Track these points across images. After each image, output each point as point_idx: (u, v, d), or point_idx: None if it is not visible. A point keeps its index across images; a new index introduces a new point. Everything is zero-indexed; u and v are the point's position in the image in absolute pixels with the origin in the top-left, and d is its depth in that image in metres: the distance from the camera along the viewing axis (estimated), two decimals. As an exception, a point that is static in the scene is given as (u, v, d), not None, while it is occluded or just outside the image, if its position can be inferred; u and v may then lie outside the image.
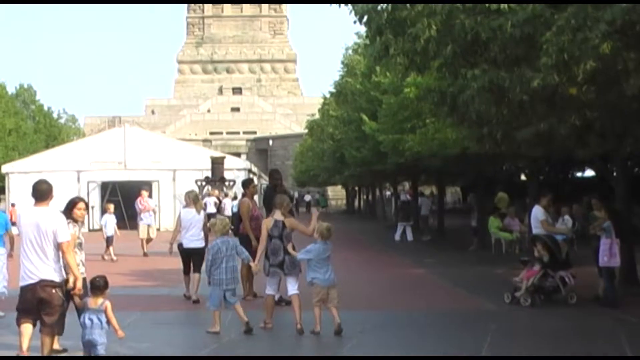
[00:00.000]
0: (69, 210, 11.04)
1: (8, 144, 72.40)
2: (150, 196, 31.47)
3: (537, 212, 16.84)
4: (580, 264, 17.55)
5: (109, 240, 26.55)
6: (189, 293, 16.50)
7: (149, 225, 28.61)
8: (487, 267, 22.88)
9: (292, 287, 13.00)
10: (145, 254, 27.37)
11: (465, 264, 23.93)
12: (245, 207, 16.26)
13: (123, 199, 42.96)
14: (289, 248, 12.91)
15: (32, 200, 9.93)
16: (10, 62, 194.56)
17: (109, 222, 26.76)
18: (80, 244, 11.23)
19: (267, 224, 13.12)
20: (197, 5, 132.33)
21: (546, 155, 22.55)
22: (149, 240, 28.37)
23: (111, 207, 27.74)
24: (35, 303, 9.71)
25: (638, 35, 10.09)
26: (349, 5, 12.92)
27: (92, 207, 41.54)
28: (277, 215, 13.12)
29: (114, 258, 26.06)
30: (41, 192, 9.87)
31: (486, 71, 12.27)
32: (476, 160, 25.55)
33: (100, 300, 9.95)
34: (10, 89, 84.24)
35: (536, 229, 16.70)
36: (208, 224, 15.33)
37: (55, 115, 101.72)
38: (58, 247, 9.70)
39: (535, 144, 16.52)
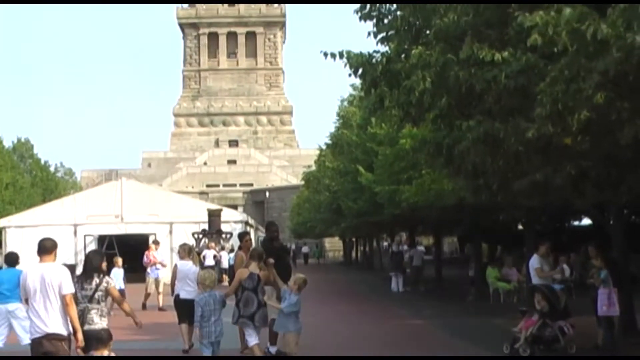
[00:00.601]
0: (99, 265, 11.35)
1: (5, 198, 72.40)
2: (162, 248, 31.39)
3: (534, 261, 16.85)
4: (579, 313, 17.50)
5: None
6: (187, 347, 16.53)
7: (156, 279, 28.48)
8: (485, 317, 22.79)
9: (254, 339, 13.36)
10: (161, 309, 27.04)
11: (463, 315, 23.83)
12: (240, 260, 16.30)
13: (120, 252, 42.84)
14: (271, 302, 13.25)
15: (37, 257, 10.30)
16: (7, 115, 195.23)
17: (118, 276, 26.60)
18: (108, 295, 11.42)
19: (242, 274, 13.38)
20: (193, 59, 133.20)
21: (542, 205, 22.57)
22: (147, 295, 28.21)
23: (119, 261, 27.54)
24: (42, 356, 9.90)
25: (631, 85, 10.19)
26: (344, 58, 13.04)
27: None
28: (253, 267, 13.35)
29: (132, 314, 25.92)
30: (46, 248, 10.33)
31: (481, 122, 12.36)
32: (473, 211, 25.57)
33: (105, 352, 10.24)
34: (7, 143, 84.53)
35: (535, 279, 16.69)
36: (198, 278, 15.47)
37: (52, 169, 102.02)
38: (62, 299, 9.94)
39: (531, 194, 16.55)
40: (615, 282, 15.57)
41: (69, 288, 10.05)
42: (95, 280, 11.02)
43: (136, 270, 34.47)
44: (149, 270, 28.43)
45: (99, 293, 11.10)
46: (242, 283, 13.20)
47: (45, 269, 10.14)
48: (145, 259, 28.63)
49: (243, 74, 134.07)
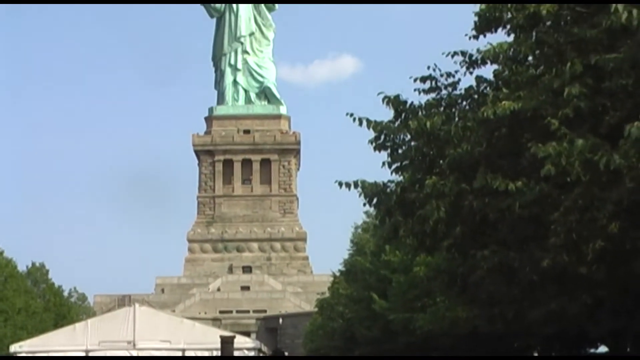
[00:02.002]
0: None
1: (17, 323, 71.87)
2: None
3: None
4: None
5: None
6: None
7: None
8: None
9: None
10: None
11: None
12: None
13: (131, 379, 42.22)
14: None
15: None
16: (22, 239, 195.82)
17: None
18: None
19: None
20: (208, 185, 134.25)
21: (558, 333, 22.32)
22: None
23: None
24: None
25: (645, 215, 10.24)
26: (359, 187, 13.20)
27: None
28: None
29: None
30: None
31: (496, 252, 12.39)
32: (487, 339, 25.25)
33: None
34: (22, 266, 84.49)
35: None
36: None
37: (65, 294, 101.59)
38: None
39: (546, 322, 16.42)
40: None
41: None
42: None
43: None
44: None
45: None
46: None
47: None
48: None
49: (257, 201, 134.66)
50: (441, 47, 14.33)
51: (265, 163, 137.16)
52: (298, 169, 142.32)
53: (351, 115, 13.53)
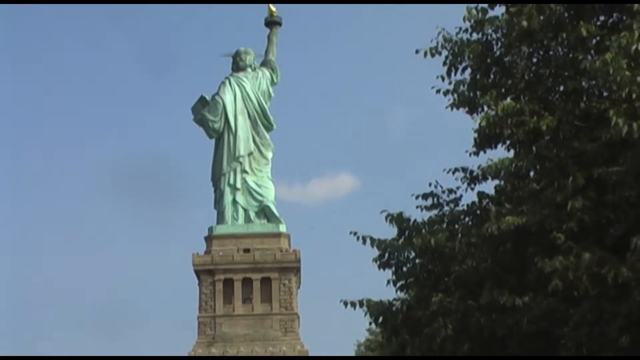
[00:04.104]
0: None
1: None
2: None
3: None
4: None
5: None
6: None
7: None
8: None
9: None
10: None
11: None
12: None
13: None
14: None
15: None
16: None
17: None
18: None
19: None
20: (209, 305, 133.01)
21: None
22: None
23: None
24: None
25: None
26: (364, 306, 13.09)
27: None
28: None
29: None
30: None
31: (506, 369, 12.19)
32: None
33: None
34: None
35: None
36: None
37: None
38: None
39: None
40: None
41: None
42: None
43: None
44: None
45: None
46: None
47: None
48: None
49: (258, 320, 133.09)
50: (440, 164, 14.45)
51: (266, 281, 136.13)
52: (299, 287, 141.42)
53: (355, 233, 13.52)
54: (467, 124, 14.22)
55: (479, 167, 13.62)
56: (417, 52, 13.93)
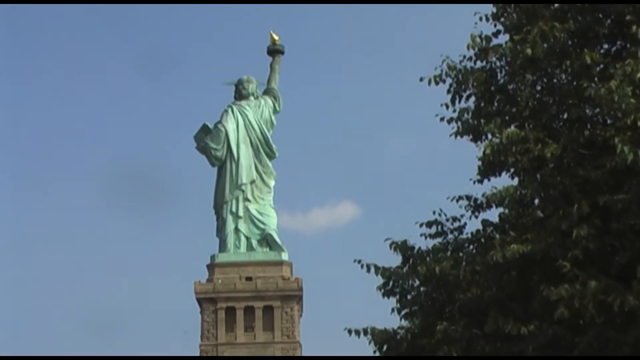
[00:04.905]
0: None
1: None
2: None
3: None
4: None
5: None
6: None
7: None
8: None
9: None
10: None
11: None
12: None
13: None
14: None
15: None
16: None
17: None
18: None
19: None
20: (211, 333, 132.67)
21: None
22: None
23: None
24: None
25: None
26: (369, 334, 13.04)
27: None
28: None
29: None
30: None
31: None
32: None
33: None
34: None
35: None
36: None
37: None
38: None
39: None
40: None
41: None
42: None
43: None
44: None
45: None
46: None
47: None
48: None
49: (260, 348, 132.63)
50: (442, 192, 14.42)
51: (268, 310, 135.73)
52: (301, 315, 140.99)
53: (359, 261, 13.48)
54: (470, 152, 14.22)
55: (483, 195, 13.60)
56: (421, 79, 13.95)
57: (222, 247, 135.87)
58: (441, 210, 14.11)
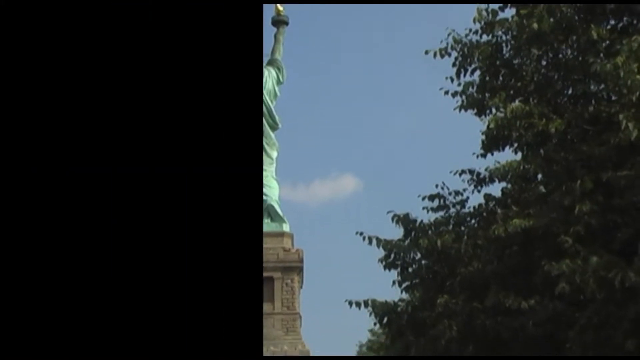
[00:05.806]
0: None
1: None
2: None
3: None
4: None
5: None
6: None
7: None
8: None
9: None
10: None
11: None
12: None
13: None
14: None
15: None
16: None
17: None
18: None
19: None
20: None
21: None
22: None
23: None
24: None
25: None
26: (369, 307, 13.08)
27: None
28: None
29: None
30: None
31: (511, 372, 12.17)
32: None
33: None
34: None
35: None
36: None
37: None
38: None
39: None
40: None
41: None
42: None
43: None
44: None
45: None
46: None
47: None
48: None
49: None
50: (442, 166, 14.43)
51: (268, 281, 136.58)
52: (301, 287, 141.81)
53: (361, 234, 13.50)
54: (474, 126, 14.21)
55: (486, 169, 13.61)
56: (426, 52, 13.90)
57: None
58: (444, 183, 14.13)
